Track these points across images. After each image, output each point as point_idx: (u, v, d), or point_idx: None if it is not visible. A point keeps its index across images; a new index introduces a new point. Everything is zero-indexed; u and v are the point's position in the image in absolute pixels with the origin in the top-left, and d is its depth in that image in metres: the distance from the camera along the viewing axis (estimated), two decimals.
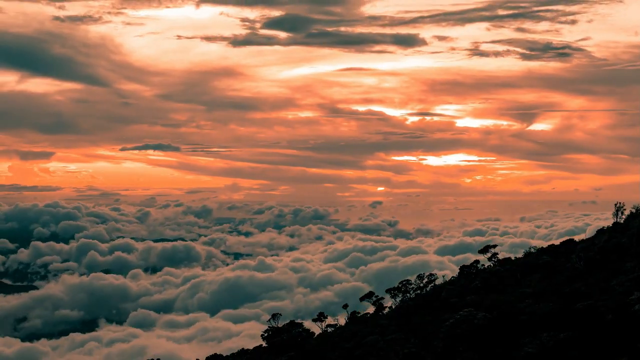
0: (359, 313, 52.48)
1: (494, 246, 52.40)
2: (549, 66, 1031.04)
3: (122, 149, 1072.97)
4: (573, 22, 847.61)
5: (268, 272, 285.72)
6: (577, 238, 51.81)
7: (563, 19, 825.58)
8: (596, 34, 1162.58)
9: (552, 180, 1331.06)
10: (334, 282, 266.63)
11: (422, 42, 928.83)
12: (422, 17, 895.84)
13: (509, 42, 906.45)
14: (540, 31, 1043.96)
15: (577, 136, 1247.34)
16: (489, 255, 51.53)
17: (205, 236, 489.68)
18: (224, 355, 54.46)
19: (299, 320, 47.38)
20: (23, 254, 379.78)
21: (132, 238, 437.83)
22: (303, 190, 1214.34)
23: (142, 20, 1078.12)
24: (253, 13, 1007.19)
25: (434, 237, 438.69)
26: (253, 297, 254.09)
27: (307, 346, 42.85)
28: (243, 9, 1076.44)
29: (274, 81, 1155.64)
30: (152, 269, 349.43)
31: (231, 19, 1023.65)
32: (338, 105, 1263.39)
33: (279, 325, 46.36)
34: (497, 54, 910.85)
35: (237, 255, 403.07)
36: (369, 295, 53.53)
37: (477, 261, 51.21)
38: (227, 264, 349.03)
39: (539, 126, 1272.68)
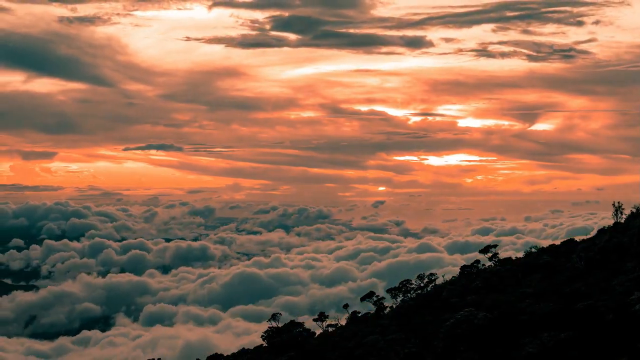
0: (359, 313, 52.52)
1: (495, 246, 52.43)
2: (552, 66, 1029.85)
3: (125, 149, 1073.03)
4: (580, 23, 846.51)
5: (283, 269, 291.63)
6: (579, 238, 51.75)
7: (570, 20, 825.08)
8: (602, 35, 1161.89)
9: (552, 180, 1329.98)
10: (347, 279, 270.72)
11: (429, 44, 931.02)
12: (430, 19, 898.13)
13: (516, 43, 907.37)
14: (547, 33, 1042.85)
15: (578, 136, 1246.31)
16: (489, 255, 51.56)
17: (215, 234, 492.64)
18: (225, 355, 54.52)
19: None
20: (36, 251, 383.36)
21: (141, 237, 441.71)
22: (304, 190, 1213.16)
23: (150, 22, 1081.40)
24: (263, 15, 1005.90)
25: (442, 236, 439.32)
26: (271, 292, 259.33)
27: (307, 346, 42.87)
28: (254, 11, 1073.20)
29: (277, 81, 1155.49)
30: (167, 268, 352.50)
31: (241, 20, 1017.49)
32: (340, 105, 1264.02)
33: (279, 325, 46.40)
34: (503, 55, 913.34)
35: (250, 254, 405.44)
36: (369, 295, 53.55)
37: (477, 261, 51.27)
38: (241, 262, 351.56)
39: (540, 126, 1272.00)
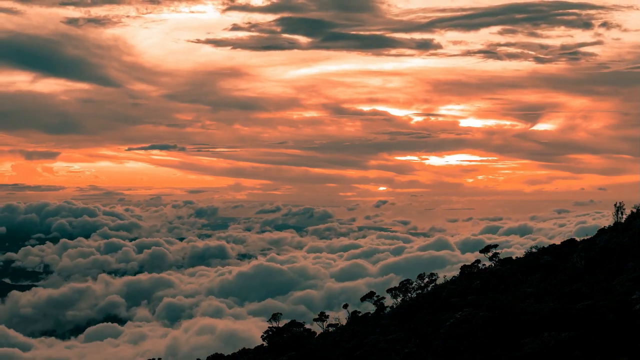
0: (359, 313, 52.50)
1: (495, 246, 52.35)
2: (554, 67, 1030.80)
3: (129, 149, 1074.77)
4: (587, 26, 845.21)
5: (298, 264, 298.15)
6: (579, 238, 51.67)
7: (578, 23, 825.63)
8: (608, 38, 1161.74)
9: (553, 180, 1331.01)
10: (361, 276, 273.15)
11: (438, 46, 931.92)
12: (439, 21, 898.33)
13: (523, 45, 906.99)
14: (555, 36, 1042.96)
15: (580, 136, 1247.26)
16: (490, 254, 51.50)
17: (224, 233, 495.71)
18: (225, 355, 54.48)
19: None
20: (50, 249, 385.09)
21: (153, 236, 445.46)
22: (305, 190, 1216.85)
23: (159, 24, 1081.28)
24: (275, 17, 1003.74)
25: (451, 235, 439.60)
26: (290, 286, 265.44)
27: (307, 346, 42.81)
28: (266, 15, 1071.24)
29: (279, 81, 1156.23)
30: (186, 265, 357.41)
31: (251, 23, 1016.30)
32: (343, 105, 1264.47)
33: (280, 325, 46.36)
34: (510, 56, 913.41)
35: (263, 252, 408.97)
36: (369, 295, 53.54)
37: (478, 261, 51.21)
38: (256, 259, 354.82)
39: (542, 126, 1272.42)
